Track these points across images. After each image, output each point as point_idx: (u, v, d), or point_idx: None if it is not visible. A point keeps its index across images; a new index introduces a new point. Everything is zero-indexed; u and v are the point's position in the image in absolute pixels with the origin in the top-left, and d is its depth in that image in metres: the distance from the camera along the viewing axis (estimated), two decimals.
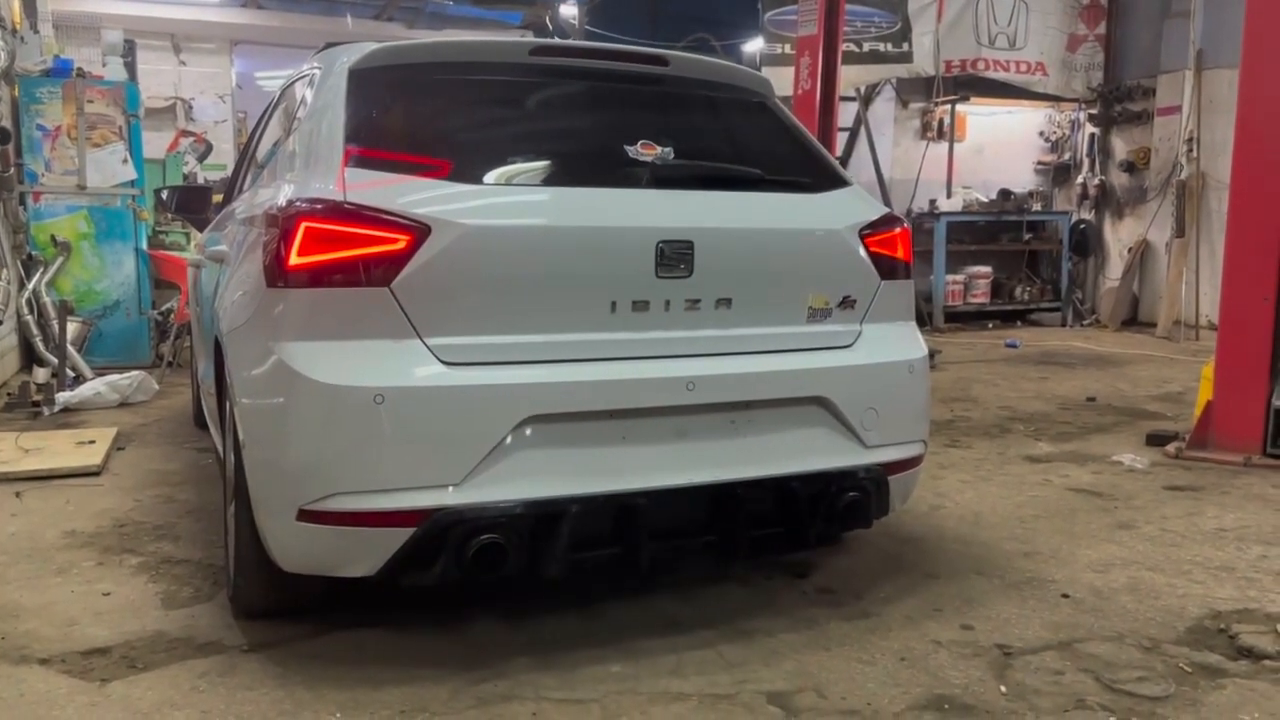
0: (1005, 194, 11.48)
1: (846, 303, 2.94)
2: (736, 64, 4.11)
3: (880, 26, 10.93)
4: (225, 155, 11.32)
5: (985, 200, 11.42)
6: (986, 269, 11.25)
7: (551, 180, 2.77)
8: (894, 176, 11.42)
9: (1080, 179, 11.74)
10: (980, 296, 11.23)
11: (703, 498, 2.70)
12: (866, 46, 10.92)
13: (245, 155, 4.50)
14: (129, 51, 9.45)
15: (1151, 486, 4.42)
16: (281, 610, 2.86)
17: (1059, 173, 12.18)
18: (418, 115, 2.87)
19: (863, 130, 11.23)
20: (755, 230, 2.83)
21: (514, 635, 2.80)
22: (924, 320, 10.42)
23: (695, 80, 3.17)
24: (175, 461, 4.81)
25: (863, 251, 2.96)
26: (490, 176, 2.66)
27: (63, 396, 6.00)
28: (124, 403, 6.18)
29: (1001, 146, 12.04)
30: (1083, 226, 11.58)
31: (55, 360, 6.56)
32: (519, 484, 2.49)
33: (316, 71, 3.08)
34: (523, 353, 2.55)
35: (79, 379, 6.51)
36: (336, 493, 2.41)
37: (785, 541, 2.90)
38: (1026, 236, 11.55)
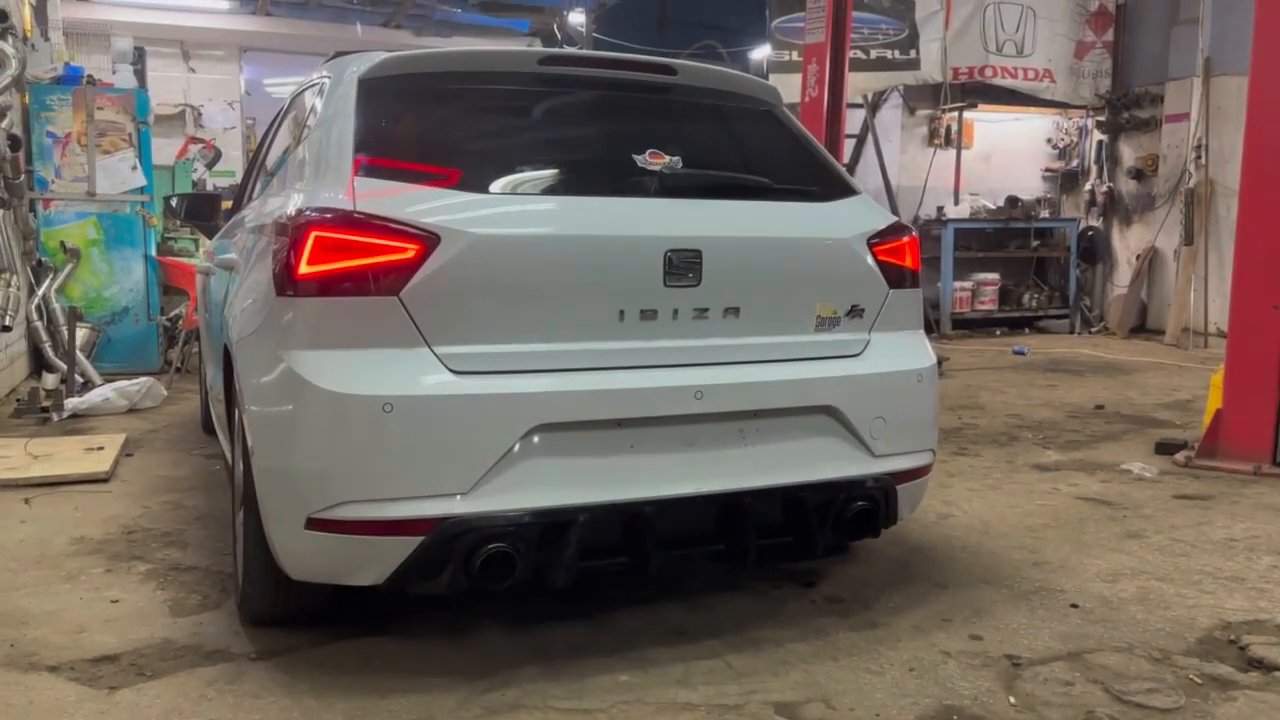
0: (1013, 201, 11.45)
1: (855, 311, 2.93)
2: (744, 72, 4.11)
3: (888, 34, 10.93)
4: (234, 162, 11.35)
5: (993, 207, 11.40)
6: (994, 276, 11.23)
7: (560, 189, 2.77)
8: (901, 184, 11.40)
9: (1088, 186, 11.71)
10: (988, 304, 11.22)
11: (711, 507, 2.69)
12: (874, 54, 10.91)
13: (254, 163, 4.51)
14: (139, 59, 9.49)
15: (1161, 495, 4.41)
16: (289, 618, 2.86)
17: (1067, 180, 12.15)
18: (427, 124, 2.88)
19: (870, 137, 11.22)
20: (763, 239, 2.83)
21: (521, 644, 2.80)
22: (931, 327, 10.41)
23: (703, 89, 3.17)
24: (184, 468, 4.82)
25: (871, 260, 2.96)
26: (499, 185, 2.66)
27: (71, 402, 6.02)
28: (132, 409, 6.20)
29: (1009, 153, 12.01)
30: (1091, 233, 11.55)
31: (64, 366, 6.59)
32: (527, 493, 2.49)
33: (326, 80, 3.10)
34: (531, 361, 2.55)
35: (88, 385, 6.53)
36: (345, 501, 2.41)
37: (793, 551, 2.90)
38: (1034, 243, 11.53)
